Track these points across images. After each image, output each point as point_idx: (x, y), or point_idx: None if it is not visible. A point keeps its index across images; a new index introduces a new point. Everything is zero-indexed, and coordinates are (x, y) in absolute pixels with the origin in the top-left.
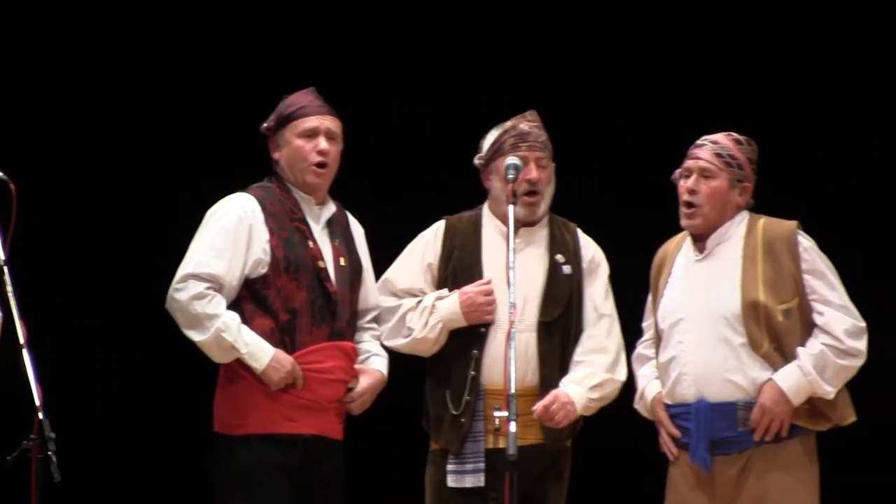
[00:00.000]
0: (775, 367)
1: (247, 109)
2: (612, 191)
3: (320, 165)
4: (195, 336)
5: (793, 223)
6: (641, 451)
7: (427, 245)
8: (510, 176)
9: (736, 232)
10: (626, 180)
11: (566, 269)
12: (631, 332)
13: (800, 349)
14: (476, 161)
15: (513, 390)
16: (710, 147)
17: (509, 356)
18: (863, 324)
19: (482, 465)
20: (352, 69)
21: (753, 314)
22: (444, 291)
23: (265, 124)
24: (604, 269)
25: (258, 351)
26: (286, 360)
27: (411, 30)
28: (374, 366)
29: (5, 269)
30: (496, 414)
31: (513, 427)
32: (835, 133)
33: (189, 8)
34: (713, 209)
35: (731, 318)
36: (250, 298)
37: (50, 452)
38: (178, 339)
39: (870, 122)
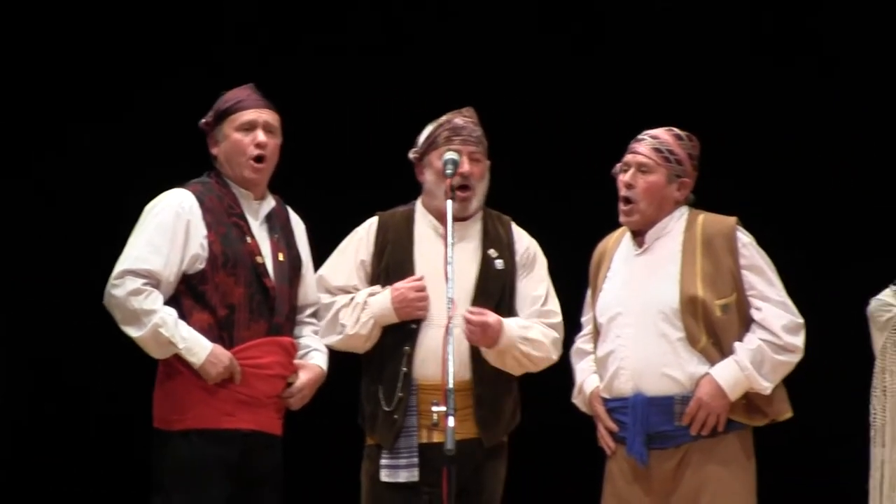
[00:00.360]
0: (713, 362)
1: (191, 107)
2: (551, 185)
3: (258, 159)
4: (133, 332)
5: (732, 219)
6: (579, 445)
7: (360, 242)
8: (448, 171)
9: (675, 227)
10: (567, 175)
11: (499, 263)
12: (569, 327)
13: (737, 344)
14: (411, 155)
15: (451, 385)
16: (649, 142)
17: (448, 351)
18: (800, 320)
19: (416, 461)
20: (293, 69)
21: (691, 309)
22: (377, 288)
23: (204, 120)
24: (541, 262)
25: (195, 346)
26: (224, 354)
27: (350, 29)
28: (314, 361)
29: None
30: (434, 409)
31: (451, 422)
32: (777, 130)
33: (131, 7)
34: (650, 204)
35: (670, 313)
36: (188, 294)
37: None
38: (116, 335)
39: (812, 121)
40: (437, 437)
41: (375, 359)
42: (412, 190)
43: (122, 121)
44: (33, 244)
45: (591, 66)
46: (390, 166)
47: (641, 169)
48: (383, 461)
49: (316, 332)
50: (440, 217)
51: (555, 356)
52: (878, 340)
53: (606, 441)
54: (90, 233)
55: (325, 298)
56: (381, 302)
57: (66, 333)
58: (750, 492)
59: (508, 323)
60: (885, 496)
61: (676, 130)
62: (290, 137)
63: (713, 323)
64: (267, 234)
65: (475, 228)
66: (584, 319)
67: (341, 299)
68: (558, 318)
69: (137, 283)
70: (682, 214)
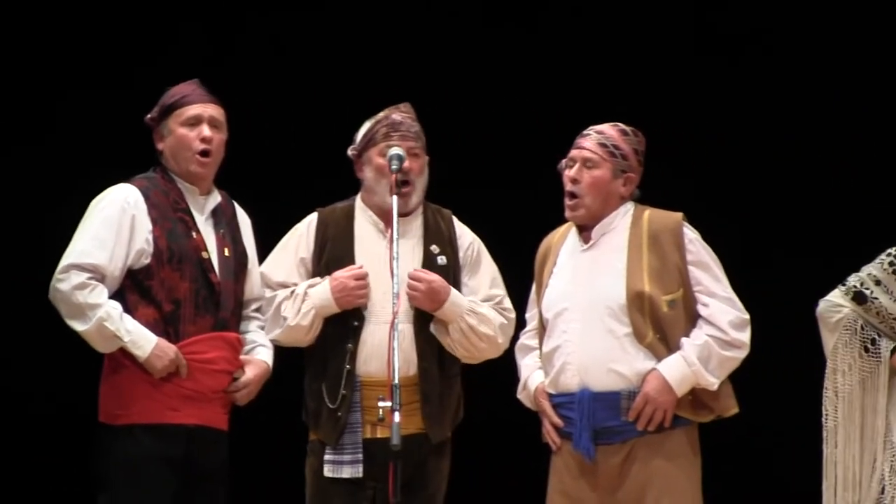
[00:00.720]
0: (659, 358)
1: (135, 105)
2: (493, 181)
3: (204, 153)
4: (78, 326)
5: (678, 215)
6: (523, 440)
7: (300, 238)
8: (394, 166)
9: (621, 222)
10: (510, 170)
11: (441, 259)
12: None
13: (684, 340)
14: (349, 152)
15: (396, 380)
16: (595, 137)
17: (393, 346)
18: (746, 315)
19: (360, 456)
20: (232, 69)
21: (638, 304)
22: (317, 280)
23: (149, 115)
24: (485, 258)
25: (141, 339)
26: (169, 348)
27: (286, 28)
28: (260, 356)
29: None
30: (380, 404)
31: (397, 417)
32: (723, 124)
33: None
34: (595, 199)
35: (616, 309)
36: (134, 289)
37: None
38: (62, 329)
39: (758, 114)
40: (381, 433)
41: (318, 356)
42: (353, 185)
43: (66, 117)
44: None
45: (534, 59)
46: (331, 162)
47: (587, 164)
48: (327, 456)
49: (262, 328)
50: (380, 213)
51: (501, 340)
52: (829, 341)
53: (552, 436)
54: (33, 229)
55: (268, 293)
56: (320, 292)
57: (10, 329)
58: (696, 487)
59: (457, 293)
60: (838, 497)
61: (622, 126)
62: (234, 133)
63: (660, 318)
64: (213, 229)
65: (416, 224)
66: (528, 315)
67: (282, 293)
68: (512, 315)
69: (82, 277)
70: (628, 210)
